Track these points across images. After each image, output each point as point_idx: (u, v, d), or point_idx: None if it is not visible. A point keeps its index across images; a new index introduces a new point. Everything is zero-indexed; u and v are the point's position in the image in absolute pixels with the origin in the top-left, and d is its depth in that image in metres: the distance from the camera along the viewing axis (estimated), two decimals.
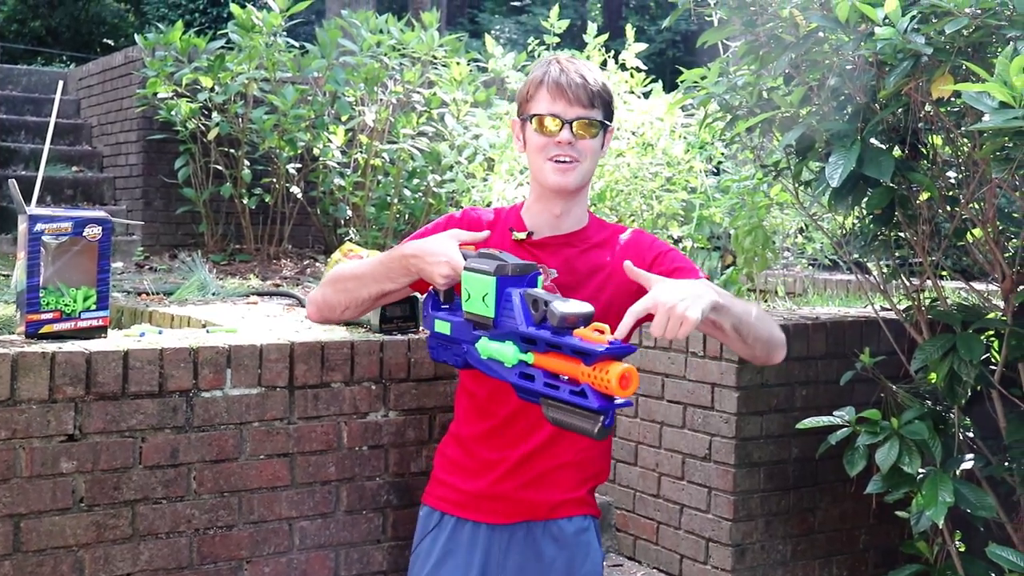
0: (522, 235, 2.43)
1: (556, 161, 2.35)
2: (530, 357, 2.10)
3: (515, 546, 2.43)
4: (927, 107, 3.10)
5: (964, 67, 2.76)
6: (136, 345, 2.70)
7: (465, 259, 2.25)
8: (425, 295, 2.40)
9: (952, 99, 2.96)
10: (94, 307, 2.78)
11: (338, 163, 6.86)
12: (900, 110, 3.19)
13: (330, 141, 6.79)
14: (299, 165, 7.06)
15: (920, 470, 3.20)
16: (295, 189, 7.04)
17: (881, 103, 3.02)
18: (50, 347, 2.59)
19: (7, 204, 7.29)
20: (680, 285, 2.07)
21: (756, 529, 3.68)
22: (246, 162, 7.08)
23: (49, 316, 2.71)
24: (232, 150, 7.12)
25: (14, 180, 2.85)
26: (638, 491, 4.02)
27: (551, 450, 2.41)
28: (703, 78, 3.60)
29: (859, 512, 3.86)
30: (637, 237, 2.47)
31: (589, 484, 2.49)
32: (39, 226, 2.69)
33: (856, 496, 3.65)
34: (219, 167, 7.09)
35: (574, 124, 2.32)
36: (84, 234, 2.75)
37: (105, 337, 2.79)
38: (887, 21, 2.73)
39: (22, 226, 2.73)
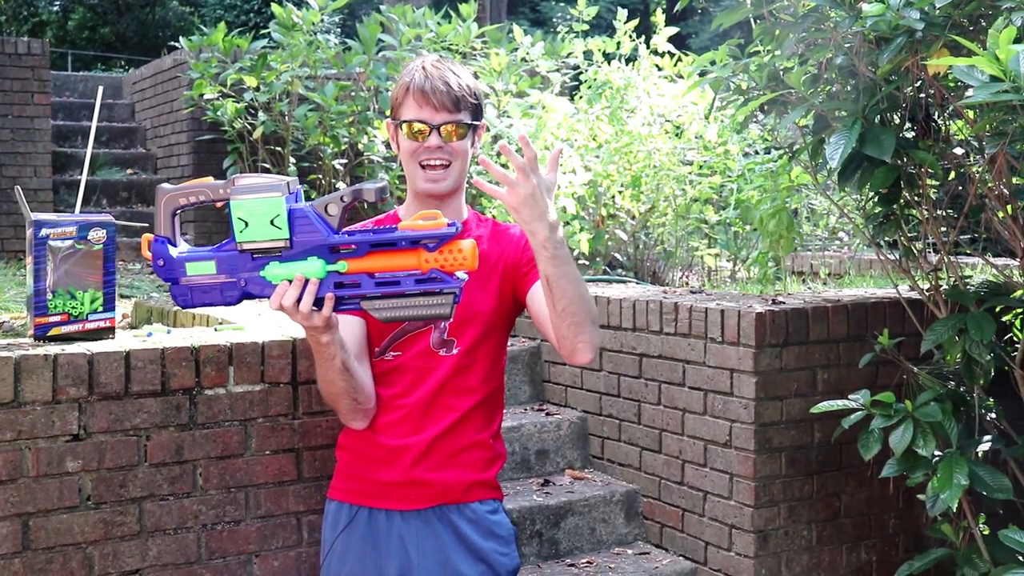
0: None
1: (427, 167, 2.42)
2: (342, 266, 2.08)
3: (431, 530, 2.47)
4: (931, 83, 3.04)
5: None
6: (138, 345, 2.76)
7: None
8: (153, 241, 2.19)
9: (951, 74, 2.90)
10: (101, 308, 2.83)
11: (383, 158, 6.91)
12: (910, 87, 3.13)
13: (374, 136, 6.84)
14: (344, 161, 7.12)
15: (936, 453, 3.14)
16: (341, 185, 7.10)
17: (882, 80, 2.96)
18: (53, 349, 2.65)
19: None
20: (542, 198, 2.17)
21: (779, 515, 3.64)
22: (292, 159, 7.16)
23: (57, 319, 2.77)
24: (278, 148, 7.20)
25: (18, 187, 2.92)
26: (663, 478, 4.00)
27: (455, 433, 2.47)
28: (713, 63, 3.56)
29: (887, 496, 3.79)
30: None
31: (496, 466, 2.56)
32: (44, 231, 2.75)
33: (883, 480, 3.59)
34: (266, 165, 7.18)
35: (441, 129, 2.40)
36: (88, 237, 2.81)
37: (113, 338, 2.84)
38: None
39: (29, 231, 2.79)
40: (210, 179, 2.18)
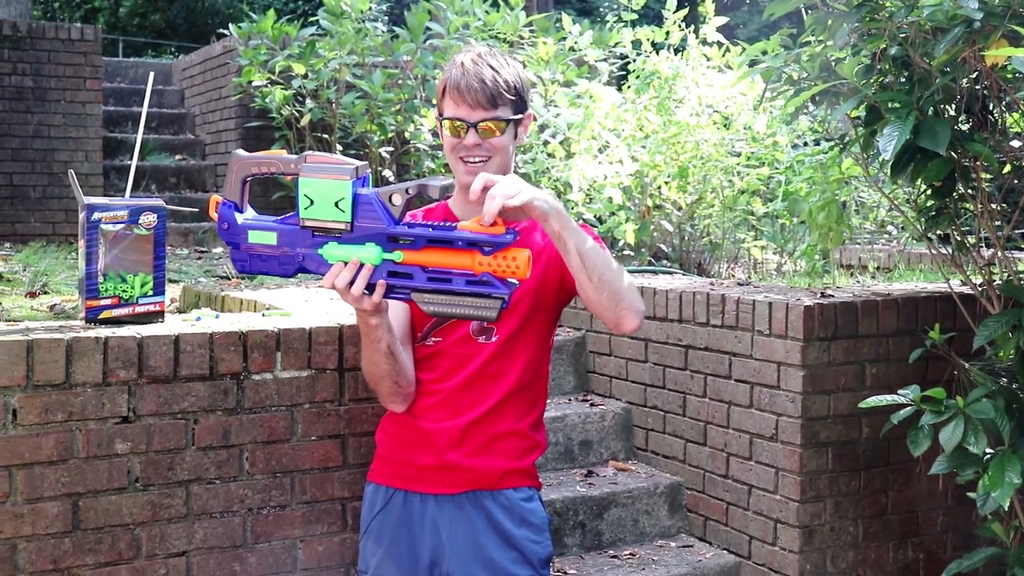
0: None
1: (466, 162, 2.43)
2: (398, 256, 2.11)
3: (464, 515, 2.48)
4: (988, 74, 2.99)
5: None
6: (187, 329, 2.78)
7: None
8: (221, 204, 2.23)
9: (1009, 64, 2.85)
10: (151, 292, 2.86)
11: (429, 146, 6.91)
12: (965, 78, 3.08)
13: (421, 124, 6.85)
14: (391, 148, 7.13)
15: (988, 450, 3.10)
16: (387, 172, 7.12)
17: (937, 71, 2.92)
18: (103, 332, 2.67)
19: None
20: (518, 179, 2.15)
21: (825, 510, 3.61)
22: (339, 147, 7.19)
23: (108, 302, 2.80)
24: (325, 135, 7.24)
25: (72, 171, 2.95)
26: (707, 471, 3.98)
27: (491, 419, 2.47)
28: (764, 53, 3.52)
29: (935, 493, 3.75)
30: None
31: (533, 455, 2.56)
32: (96, 214, 2.78)
33: (932, 477, 3.55)
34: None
35: (479, 126, 2.39)
36: (140, 222, 2.83)
37: (162, 321, 2.87)
38: None
39: (81, 215, 2.82)
40: (283, 152, 2.21)
